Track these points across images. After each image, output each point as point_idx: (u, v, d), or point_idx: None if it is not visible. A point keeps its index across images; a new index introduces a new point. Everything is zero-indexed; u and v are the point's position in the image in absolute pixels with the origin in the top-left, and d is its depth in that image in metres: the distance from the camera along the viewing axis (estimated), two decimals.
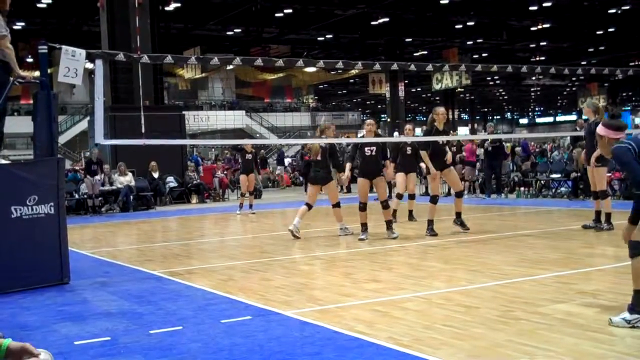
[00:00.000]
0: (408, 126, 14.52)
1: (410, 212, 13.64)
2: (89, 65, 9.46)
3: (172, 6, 31.46)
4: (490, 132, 19.94)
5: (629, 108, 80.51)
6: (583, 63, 49.19)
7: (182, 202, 22.16)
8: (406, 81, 46.66)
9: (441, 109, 11.74)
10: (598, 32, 43.82)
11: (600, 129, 5.58)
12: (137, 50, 17.82)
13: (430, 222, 11.15)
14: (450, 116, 50.14)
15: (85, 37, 31.98)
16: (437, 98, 64.00)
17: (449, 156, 11.34)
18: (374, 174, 10.86)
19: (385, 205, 10.88)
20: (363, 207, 10.86)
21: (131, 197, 19.95)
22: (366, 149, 10.78)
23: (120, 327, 5.71)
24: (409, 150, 13.11)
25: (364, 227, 10.93)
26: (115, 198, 19.90)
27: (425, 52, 47.64)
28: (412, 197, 13.74)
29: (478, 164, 20.44)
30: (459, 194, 11.52)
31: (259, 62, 10.56)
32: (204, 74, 49.16)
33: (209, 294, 7.01)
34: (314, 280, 7.78)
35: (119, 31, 21.77)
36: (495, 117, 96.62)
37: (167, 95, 43.32)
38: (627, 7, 37.13)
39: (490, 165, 18.76)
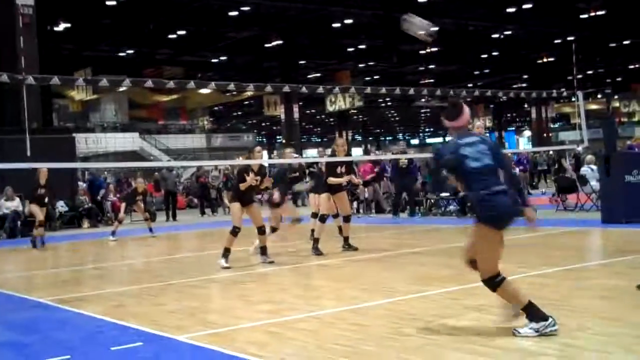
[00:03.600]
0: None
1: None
2: None
3: (61, 26, 30.71)
4: (401, 151, 20.07)
5: (513, 129, 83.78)
6: (470, 85, 50.95)
7: (73, 227, 21.55)
8: (301, 103, 47.08)
9: (341, 141, 12.02)
10: (483, 56, 45.59)
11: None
12: (22, 71, 17.30)
13: (316, 241, 11.21)
14: (344, 137, 50.82)
15: None
16: (332, 119, 64.85)
17: (341, 180, 11.48)
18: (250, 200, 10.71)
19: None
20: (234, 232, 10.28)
21: (18, 222, 19.27)
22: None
23: (4, 359, 5.51)
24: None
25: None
26: (2, 224, 19.17)
27: (319, 75, 48.23)
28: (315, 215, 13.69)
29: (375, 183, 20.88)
30: (348, 218, 11.69)
31: (149, 83, 10.47)
32: (95, 96, 48.05)
33: (99, 320, 6.86)
34: (207, 304, 7.74)
35: (5, 51, 21.09)
36: (387, 138, 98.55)
37: (56, 117, 42.07)
38: (509, 33, 38.90)
39: (404, 185, 18.92)
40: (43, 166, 12.10)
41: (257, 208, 10.84)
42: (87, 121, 53.92)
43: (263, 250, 10.62)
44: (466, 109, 5.59)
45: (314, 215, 13.15)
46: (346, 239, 11.59)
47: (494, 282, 5.38)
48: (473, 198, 5.52)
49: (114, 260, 12.60)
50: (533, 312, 5.31)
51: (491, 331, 5.53)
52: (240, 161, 11.75)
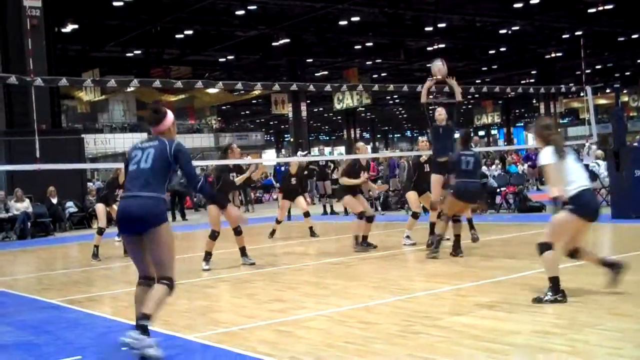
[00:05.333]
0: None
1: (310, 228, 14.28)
2: None
3: (69, 28, 30.76)
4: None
5: (522, 124, 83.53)
6: (477, 81, 50.84)
7: (83, 228, 21.59)
8: (308, 101, 47.06)
9: (361, 144, 12.13)
10: (491, 52, 45.47)
11: None
12: (30, 72, 17.36)
13: (364, 239, 11.27)
14: (352, 135, 50.86)
15: None
16: (339, 117, 64.87)
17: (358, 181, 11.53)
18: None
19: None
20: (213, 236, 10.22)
21: (29, 223, 19.34)
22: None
23: (15, 359, 5.53)
24: (293, 180, 14.53)
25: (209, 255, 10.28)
26: (12, 225, 19.25)
27: (326, 73, 48.21)
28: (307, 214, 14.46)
29: (379, 181, 20.95)
30: (371, 219, 11.60)
31: (157, 84, 10.49)
32: (103, 96, 48.13)
33: (109, 321, 6.88)
34: (217, 303, 7.75)
35: (13, 53, 21.15)
36: (395, 135, 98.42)
37: (65, 118, 42.18)
38: (517, 28, 38.75)
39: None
40: (51, 167, 12.10)
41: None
42: (95, 122, 54.11)
43: (243, 252, 10.45)
44: (170, 116, 5.74)
45: (307, 214, 14.39)
46: (365, 238, 11.47)
47: None
48: None
49: (123, 261, 12.58)
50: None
51: (501, 328, 5.53)
52: (249, 160, 11.73)
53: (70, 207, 21.79)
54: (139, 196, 5.31)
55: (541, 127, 6.64)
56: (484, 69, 52.31)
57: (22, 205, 19.38)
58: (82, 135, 25.12)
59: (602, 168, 16.12)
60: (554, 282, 6.35)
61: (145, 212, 5.28)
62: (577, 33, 38.84)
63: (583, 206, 6.36)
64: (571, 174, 6.41)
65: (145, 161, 5.43)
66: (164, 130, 5.66)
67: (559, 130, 6.76)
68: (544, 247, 6.37)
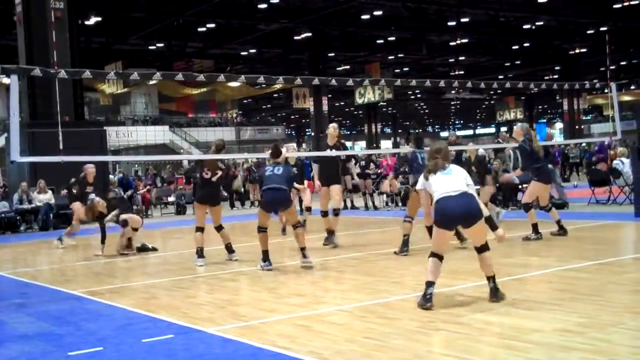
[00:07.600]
0: None
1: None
2: (6, 81, 9.17)
3: (92, 20, 30.94)
4: (454, 141, 19.91)
5: (544, 121, 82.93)
6: (500, 77, 50.51)
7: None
8: (330, 95, 47.07)
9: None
10: (514, 47, 45.16)
11: None
12: (54, 65, 17.46)
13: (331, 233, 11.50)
14: (373, 130, 50.80)
15: (2, 52, 31.13)
16: (361, 112, 64.78)
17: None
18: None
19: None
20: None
21: (51, 215, 19.49)
22: None
23: (37, 349, 5.58)
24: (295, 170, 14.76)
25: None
26: (35, 216, 19.41)
27: (348, 67, 48.15)
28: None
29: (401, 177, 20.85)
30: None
31: (179, 77, 10.49)
32: (126, 89, 48.44)
33: (130, 313, 6.92)
34: (238, 296, 7.77)
35: (37, 45, 21.30)
36: (417, 131, 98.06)
37: (88, 111, 42.50)
38: (541, 23, 38.44)
39: None
40: (75, 159, 12.14)
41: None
42: (117, 114, 54.42)
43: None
44: (283, 151, 9.84)
45: (309, 209, 14.58)
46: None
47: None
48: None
49: (144, 253, 12.65)
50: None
51: (523, 325, 5.49)
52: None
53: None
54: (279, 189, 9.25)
55: (434, 150, 7.14)
56: (507, 64, 51.98)
57: (44, 197, 19.51)
58: (105, 128, 25.27)
59: (626, 166, 15.96)
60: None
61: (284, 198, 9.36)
62: (602, 28, 38.47)
63: (437, 215, 6.81)
64: (436, 189, 6.80)
65: (278, 171, 9.35)
66: (279, 161, 9.59)
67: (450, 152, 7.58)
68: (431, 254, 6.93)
